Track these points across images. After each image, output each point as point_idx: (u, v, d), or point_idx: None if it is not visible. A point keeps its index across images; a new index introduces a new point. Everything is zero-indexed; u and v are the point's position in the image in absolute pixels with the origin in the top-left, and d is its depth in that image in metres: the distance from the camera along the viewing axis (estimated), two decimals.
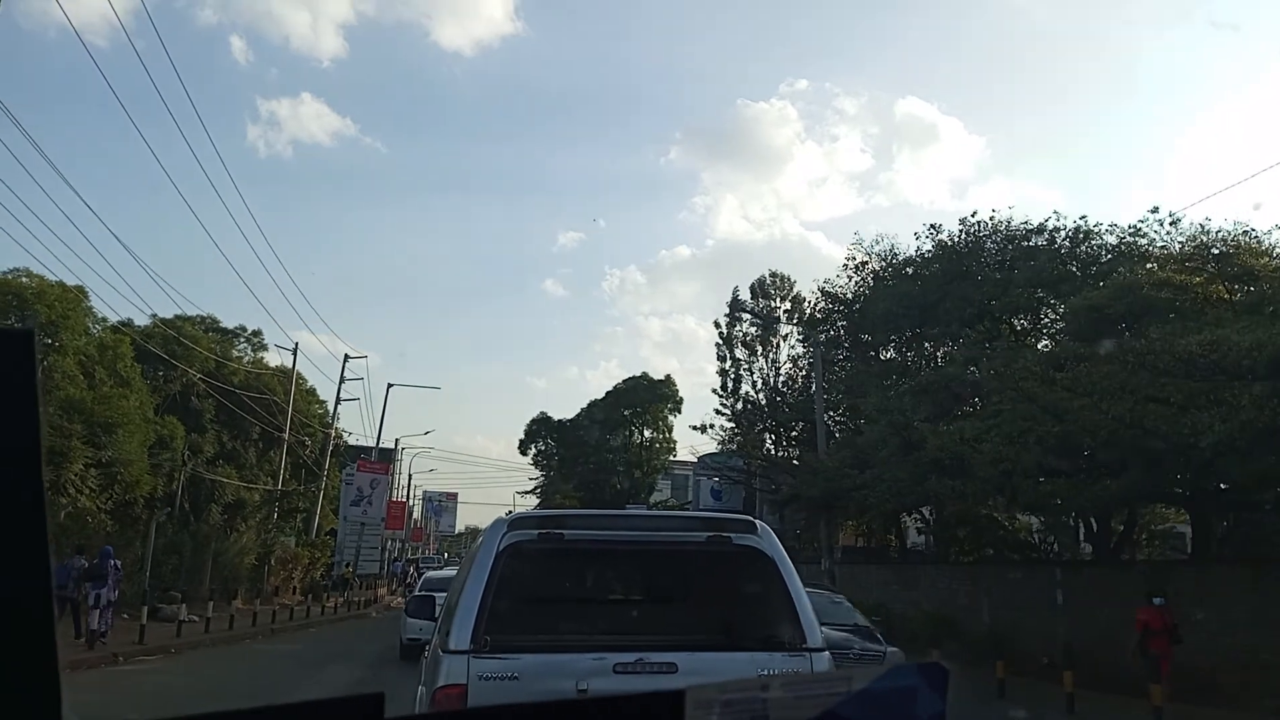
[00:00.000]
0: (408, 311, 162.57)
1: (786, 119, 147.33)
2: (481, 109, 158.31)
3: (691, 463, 74.67)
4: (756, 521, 5.85)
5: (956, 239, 28.43)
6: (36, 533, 0.98)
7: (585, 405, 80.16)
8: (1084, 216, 26.60)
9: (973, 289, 25.82)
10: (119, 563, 21.16)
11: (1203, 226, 21.86)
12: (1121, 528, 24.06)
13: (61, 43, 71.85)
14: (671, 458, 77.02)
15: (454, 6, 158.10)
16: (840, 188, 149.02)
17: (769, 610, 5.47)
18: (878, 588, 26.28)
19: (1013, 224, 27.56)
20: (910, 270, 29.31)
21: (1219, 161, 76.18)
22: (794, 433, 34.93)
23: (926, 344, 27.26)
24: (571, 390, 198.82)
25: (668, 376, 79.49)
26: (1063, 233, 26.83)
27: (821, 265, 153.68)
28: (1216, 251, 18.26)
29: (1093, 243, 26.35)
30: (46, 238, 64.28)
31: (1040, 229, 27.08)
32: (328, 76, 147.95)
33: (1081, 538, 29.94)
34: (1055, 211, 32.52)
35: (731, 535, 5.53)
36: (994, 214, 27.87)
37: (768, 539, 5.58)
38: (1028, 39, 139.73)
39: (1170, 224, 23.80)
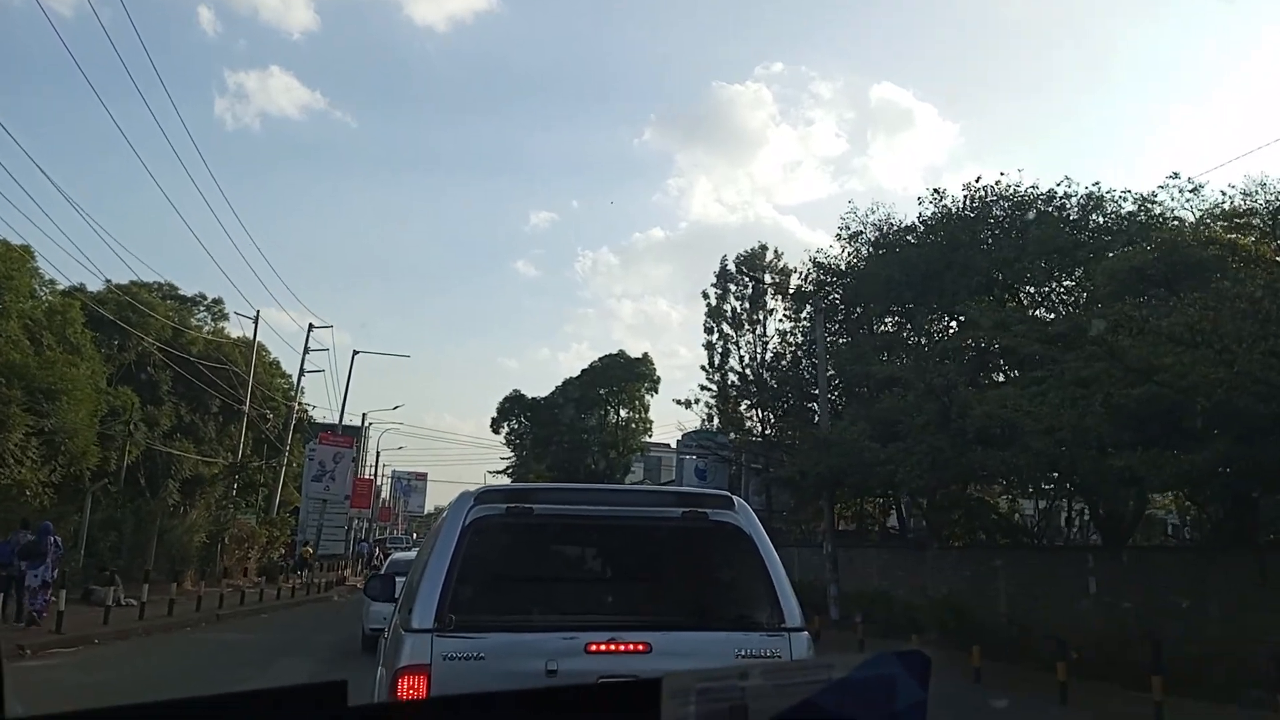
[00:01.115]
0: (377, 289, 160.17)
1: (761, 102, 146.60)
2: (454, 86, 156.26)
3: (666, 445, 73.84)
4: (734, 497, 5.55)
5: (961, 205, 26.88)
6: None
7: (560, 384, 78.65)
8: (1097, 183, 25.11)
9: (980, 257, 24.29)
10: (59, 539, 19.62)
11: (1249, 184, 20.48)
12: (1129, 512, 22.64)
13: (27, 10, 69.17)
14: (647, 438, 75.66)
15: None
16: (814, 172, 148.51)
17: (746, 589, 5.29)
18: (879, 573, 24.81)
19: (1021, 189, 26.05)
20: (912, 239, 27.73)
21: (1207, 142, 75.64)
22: (784, 408, 33.28)
23: (931, 314, 25.62)
24: (543, 371, 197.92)
25: (645, 355, 77.91)
26: (1074, 200, 25.39)
27: (794, 249, 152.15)
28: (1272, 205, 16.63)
29: (1106, 210, 24.95)
30: None
31: (1050, 196, 25.58)
32: (297, 49, 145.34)
33: (1066, 523, 28.75)
34: (1066, 177, 30.94)
35: (708, 511, 5.33)
36: (1001, 177, 26.35)
37: (745, 515, 5.37)
38: (1004, 25, 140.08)
39: (1190, 191, 22.51)
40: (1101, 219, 24.96)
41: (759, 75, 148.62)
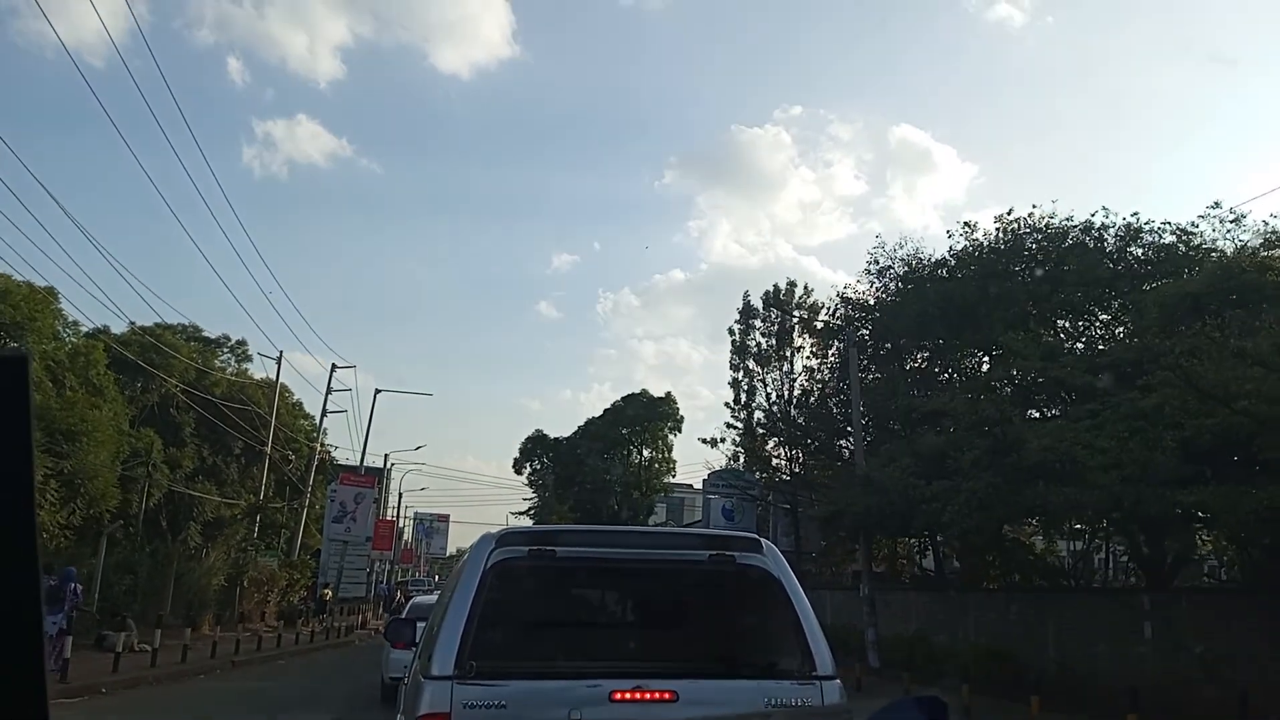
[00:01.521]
0: (401, 332, 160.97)
1: (781, 145, 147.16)
2: (478, 132, 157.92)
3: (689, 486, 72.99)
4: (762, 540, 5.39)
5: (994, 238, 26.30)
6: (28, 560, 0.96)
7: (582, 424, 77.99)
8: (1135, 213, 24.47)
9: (1016, 289, 23.64)
10: (79, 586, 19.12)
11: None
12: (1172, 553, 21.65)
13: (58, 62, 70.67)
14: (671, 478, 74.71)
15: (452, 30, 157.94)
16: (834, 213, 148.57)
17: (776, 635, 5.09)
18: (917, 617, 23.85)
19: (1055, 221, 25.45)
20: (944, 272, 27.14)
21: (1223, 183, 74.75)
22: (813, 446, 32.49)
23: (965, 348, 24.91)
24: (565, 412, 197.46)
25: (668, 394, 77.02)
26: (1112, 231, 24.75)
27: (816, 289, 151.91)
28: None
29: (1144, 241, 24.28)
30: (20, 244, 62.23)
31: (1087, 226, 24.96)
32: (324, 98, 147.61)
33: (1096, 564, 27.70)
34: (1104, 207, 30.24)
35: (735, 554, 5.16)
36: (1034, 209, 25.78)
37: (774, 559, 5.20)
38: (1021, 68, 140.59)
39: (1231, 221, 21.91)
40: (1140, 250, 24.33)
41: (778, 118, 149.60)
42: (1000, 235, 26.20)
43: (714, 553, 5.17)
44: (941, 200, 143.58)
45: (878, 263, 30.75)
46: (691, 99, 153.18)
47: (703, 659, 5.34)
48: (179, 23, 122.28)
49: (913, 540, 31.17)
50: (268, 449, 38.77)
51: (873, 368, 30.75)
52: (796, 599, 5.03)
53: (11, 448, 0.96)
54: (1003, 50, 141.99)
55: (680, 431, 76.08)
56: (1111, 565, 29.69)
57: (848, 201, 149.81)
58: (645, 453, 75.56)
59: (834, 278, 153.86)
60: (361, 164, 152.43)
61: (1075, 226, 25.05)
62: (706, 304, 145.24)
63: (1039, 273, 24.22)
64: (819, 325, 36.50)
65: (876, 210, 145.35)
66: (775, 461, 37.51)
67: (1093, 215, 24.92)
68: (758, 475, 37.22)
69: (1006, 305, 23.10)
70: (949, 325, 24.15)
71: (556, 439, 77.77)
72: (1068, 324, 25.41)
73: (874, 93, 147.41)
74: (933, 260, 28.62)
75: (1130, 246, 24.46)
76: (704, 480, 39.39)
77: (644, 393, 76.50)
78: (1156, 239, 24.08)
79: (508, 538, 5.19)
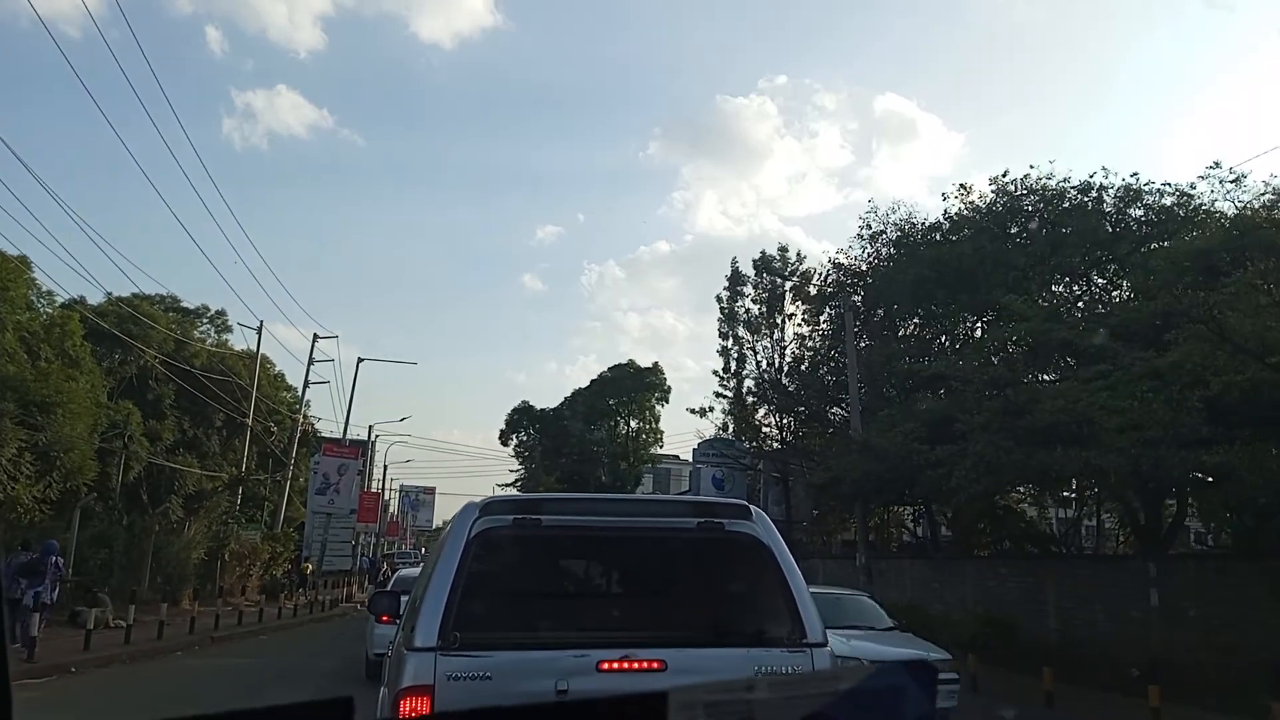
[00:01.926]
0: (384, 304, 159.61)
1: (766, 114, 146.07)
2: (461, 102, 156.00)
3: (675, 456, 72.67)
4: (751, 507, 5.33)
5: (990, 200, 25.75)
6: None
7: (569, 394, 77.51)
8: (1135, 174, 23.98)
9: (1015, 252, 23.12)
10: (61, 560, 18.50)
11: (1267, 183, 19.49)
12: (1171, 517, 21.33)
13: (33, 32, 68.80)
14: (658, 449, 74.41)
15: None
16: (819, 183, 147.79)
17: (765, 603, 5.05)
18: (913, 586, 23.49)
19: (1052, 182, 24.92)
20: (937, 235, 26.61)
21: (1216, 148, 74.45)
22: (804, 414, 31.98)
23: (963, 313, 24.40)
24: (551, 385, 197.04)
25: (655, 364, 76.59)
26: (1110, 192, 24.26)
27: (806, 258, 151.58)
28: None
29: (1144, 203, 23.81)
30: None
31: (1086, 187, 24.46)
32: (305, 68, 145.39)
33: (1079, 531, 27.47)
34: (1104, 167, 29.72)
35: (724, 521, 5.10)
36: (1032, 169, 25.23)
37: (763, 526, 5.14)
38: (1008, 36, 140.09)
39: (1231, 182, 21.40)
40: (1139, 212, 23.86)
41: (763, 88, 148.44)
42: (997, 197, 25.68)
43: (702, 520, 5.10)
44: (927, 170, 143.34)
45: (870, 227, 30.25)
46: (676, 69, 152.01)
47: (691, 628, 5.28)
48: None
49: (904, 509, 30.85)
50: (249, 421, 38.02)
51: (865, 334, 30.28)
52: (786, 566, 4.96)
53: None
54: (991, 17, 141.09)
55: (668, 402, 75.82)
56: (1098, 532, 29.51)
57: (833, 172, 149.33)
58: (633, 423, 75.27)
59: (819, 248, 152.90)
60: (343, 135, 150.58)
61: (1074, 187, 24.58)
62: (692, 276, 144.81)
63: (1041, 233, 23.68)
64: (812, 291, 36.03)
65: (861, 180, 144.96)
66: (765, 430, 37.09)
67: (1091, 176, 24.46)
68: (748, 444, 36.74)
69: (1004, 268, 22.60)
70: (946, 289, 23.63)
71: (543, 410, 77.33)
72: (1061, 289, 24.96)
73: (859, 61, 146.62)
74: (926, 224, 28.14)
75: (1130, 209, 24.00)
76: (693, 450, 38.88)
77: (631, 363, 76.07)
78: (1156, 200, 23.64)
79: (491, 506, 5.06)
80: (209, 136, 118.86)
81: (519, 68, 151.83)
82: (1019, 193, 25.20)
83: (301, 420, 43.06)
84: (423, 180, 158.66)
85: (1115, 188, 24.12)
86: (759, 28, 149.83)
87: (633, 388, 74.15)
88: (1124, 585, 16.31)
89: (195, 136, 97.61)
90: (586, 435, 73.58)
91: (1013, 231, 24.91)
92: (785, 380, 34.30)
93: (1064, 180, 24.78)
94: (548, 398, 79.10)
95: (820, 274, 33.32)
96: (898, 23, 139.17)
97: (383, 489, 74.98)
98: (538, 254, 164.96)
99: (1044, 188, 25.03)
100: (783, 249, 39.11)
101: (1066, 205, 24.27)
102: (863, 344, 29.36)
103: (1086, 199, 24.21)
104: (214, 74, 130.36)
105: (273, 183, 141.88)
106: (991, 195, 25.81)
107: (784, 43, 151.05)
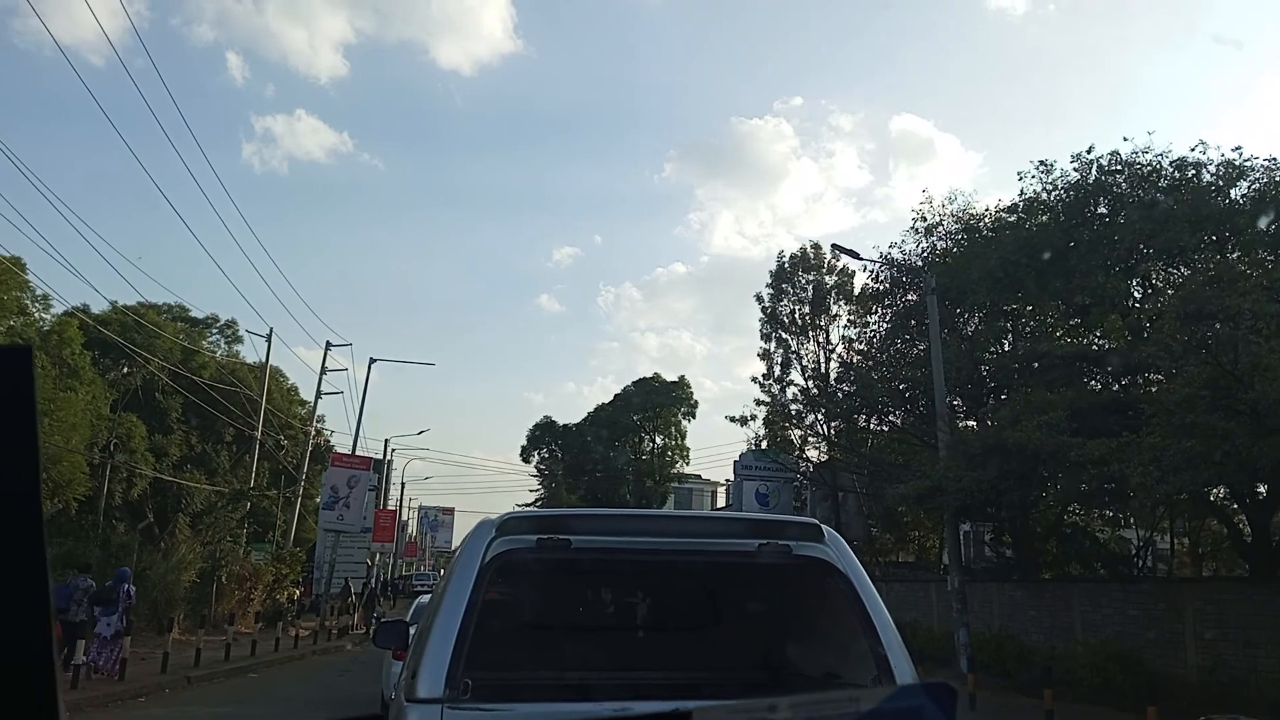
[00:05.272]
0: (402, 325, 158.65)
1: (781, 135, 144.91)
2: (479, 126, 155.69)
3: (697, 476, 70.06)
4: (823, 527, 4.30)
5: (1074, 180, 23.21)
6: (35, 554, 0.94)
7: (591, 410, 75.22)
8: (1238, 148, 21.38)
9: (1113, 231, 20.52)
10: (133, 588, 17.90)
11: None
12: None
13: (57, 60, 68.27)
14: (684, 466, 71.95)
15: (454, 25, 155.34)
16: (837, 203, 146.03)
17: (841, 641, 4.24)
18: (1005, 612, 20.72)
19: (1146, 157, 22.35)
20: (1014, 218, 24.05)
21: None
22: (866, 420, 29.29)
23: (1058, 302, 21.75)
24: (570, 405, 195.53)
25: (681, 378, 74.25)
26: (1210, 169, 21.70)
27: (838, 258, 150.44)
28: None
29: (1251, 180, 21.25)
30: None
31: (1181, 163, 21.91)
32: (325, 93, 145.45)
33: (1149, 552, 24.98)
34: (1202, 141, 27.10)
35: (791, 543, 4.17)
36: (1126, 140, 22.67)
37: (837, 548, 4.21)
38: (1023, 56, 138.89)
39: None
40: (1245, 190, 21.30)
41: (779, 109, 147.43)
42: (1082, 176, 23.15)
43: (764, 541, 4.21)
44: (945, 190, 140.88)
45: (924, 219, 27.84)
46: (691, 92, 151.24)
47: (751, 670, 4.94)
48: (178, 20, 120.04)
49: (985, 526, 28.25)
50: (258, 433, 35.64)
51: (921, 334, 27.73)
52: (868, 597, 4.14)
53: (17, 442, 0.95)
54: (1005, 38, 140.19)
55: (694, 417, 73.43)
56: (1151, 554, 27.14)
57: (851, 192, 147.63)
58: (658, 439, 72.91)
59: (837, 267, 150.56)
60: (362, 159, 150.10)
61: (1171, 163, 22.06)
62: (709, 296, 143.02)
63: (1135, 212, 21.10)
64: (855, 292, 33.46)
65: (879, 200, 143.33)
66: (811, 440, 34.37)
67: (1191, 149, 21.91)
68: (796, 456, 33.99)
69: (1104, 251, 20.00)
70: (1035, 278, 21.00)
71: (565, 426, 75.17)
72: (1171, 269, 22.39)
73: (875, 82, 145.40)
74: (997, 209, 25.64)
75: (1232, 188, 21.48)
76: (734, 462, 36.15)
77: (656, 376, 73.74)
78: (1266, 176, 21.10)
79: (510, 524, 4.20)
80: (229, 162, 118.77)
81: (536, 92, 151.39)
82: (1112, 167, 22.66)
83: (314, 433, 40.68)
84: (441, 203, 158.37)
85: (1215, 163, 21.67)
86: (773, 51, 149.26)
87: (658, 402, 71.87)
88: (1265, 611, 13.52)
89: (215, 161, 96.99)
90: (610, 452, 71.28)
91: (1100, 211, 22.39)
92: (836, 386, 31.65)
93: (1160, 155, 22.26)
94: (567, 418, 76.84)
95: (871, 272, 30.74)
96: (913, 45, 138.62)
97: (400, 507, 72.55)
98: (555, 275, 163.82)
99: (1135, 163, 22.56)
100: (815, 245, 36.64)
101: (1163, 184, 21.75)
102: (919, 348, 26.81)
103: (1181, 176, 21.73)
104: (235, 100, 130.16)
105: (291, 206, 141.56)
106: (1076, 175, 23.29)
107: (800, 64, 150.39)
